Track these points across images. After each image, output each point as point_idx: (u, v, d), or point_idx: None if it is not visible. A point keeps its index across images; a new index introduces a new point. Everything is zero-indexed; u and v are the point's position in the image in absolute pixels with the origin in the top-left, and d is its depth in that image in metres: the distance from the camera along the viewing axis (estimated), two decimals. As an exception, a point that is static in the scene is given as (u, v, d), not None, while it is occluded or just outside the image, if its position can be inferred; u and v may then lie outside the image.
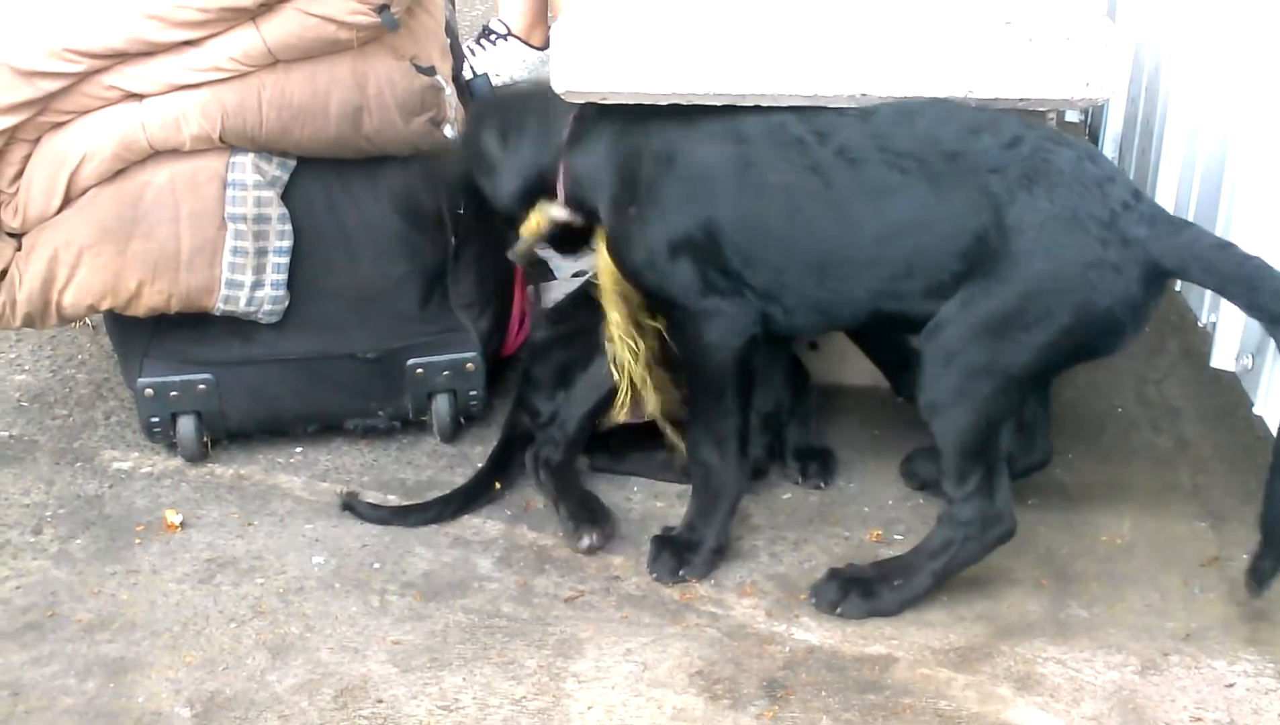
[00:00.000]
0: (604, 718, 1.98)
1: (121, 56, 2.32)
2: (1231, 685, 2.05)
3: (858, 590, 2.16)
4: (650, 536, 2.30)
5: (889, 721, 1.98)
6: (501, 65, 3.59)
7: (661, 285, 2.22)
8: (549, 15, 3.66)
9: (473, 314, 2.57)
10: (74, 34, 2.29)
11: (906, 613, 2.18)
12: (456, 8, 3.08)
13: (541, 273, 2.70)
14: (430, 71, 2.43)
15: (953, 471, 2.12)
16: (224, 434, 2.56)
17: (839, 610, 2.15)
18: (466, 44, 3.45)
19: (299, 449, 2.58)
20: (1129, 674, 2.07)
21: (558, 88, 2.23)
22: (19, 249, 2.40)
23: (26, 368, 2.84)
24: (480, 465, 2.50)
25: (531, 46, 3.65)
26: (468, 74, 2.78)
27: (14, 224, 2.39)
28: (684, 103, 2.21)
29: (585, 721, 1.98)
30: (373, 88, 2.39)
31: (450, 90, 2.46)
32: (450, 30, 2.64)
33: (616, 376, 2.32)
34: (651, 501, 2.44)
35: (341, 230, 2.48)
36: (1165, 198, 2.73)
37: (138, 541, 2.35)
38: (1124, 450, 2.55)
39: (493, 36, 3.65)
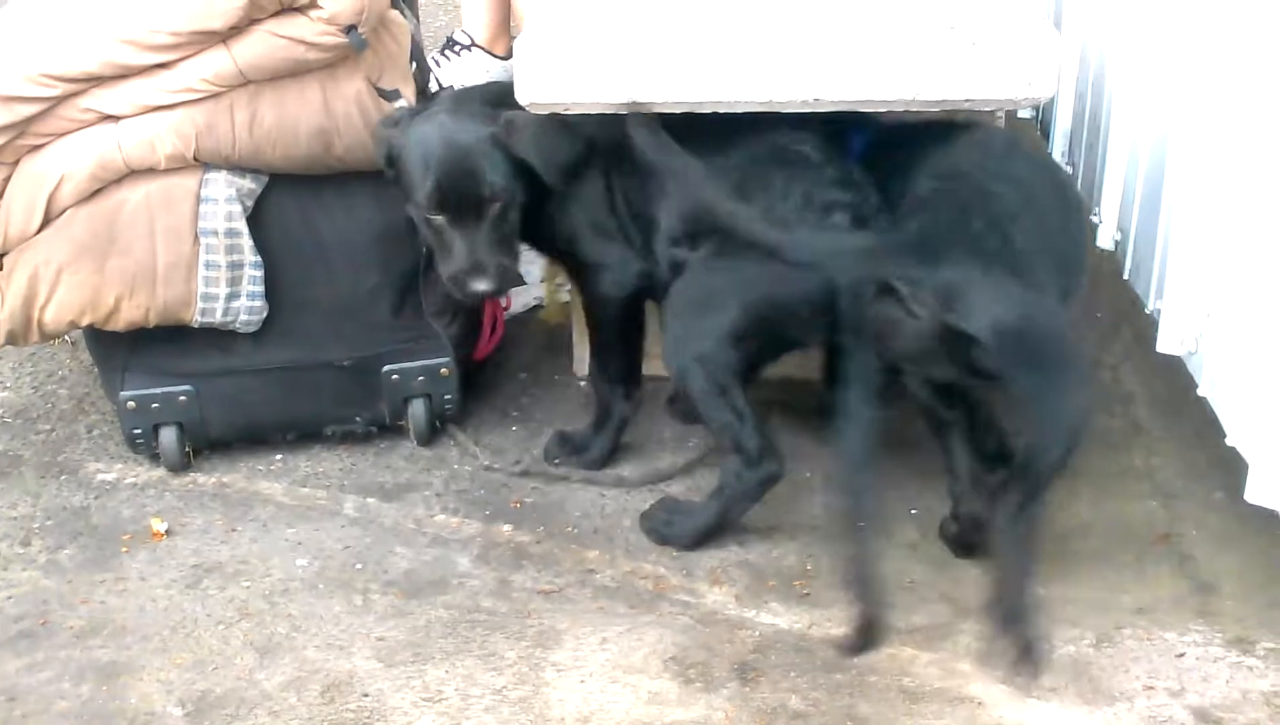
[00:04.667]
0: (582, 704, 2.06)
1: (96, 80, 2.38)
2: (1182, 655, 2.14)
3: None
4: (618, 529, 2.39)
5: (855, 699, 2.06)
6: (466, 76, 3.66)
7: None
8: (512, 26, 3.73)
9: (444, 321, 2.64)
10: (49, 59, 2.35)
11: (871, 596, 2.26)
12: (420, 20, 3.15)
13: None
14: (393, 96, 2.49)
15: None
16: (205, 443, 2.62)
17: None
18: (431, 56, 3.51)
19: (279, 456, 2.65)
20: (1084, 647, 2.16)
21: (521, 99, 2.31)
22: (0, 269, 2.46)
23: (8, 385, 2.90)
24: (458, 465, 2.59)
25: (495, 56, 3.71)
26: (434, 86, 2.84)
27: (-5, 245, 2.45)
28: (644, 111, 2.29)
29: (565, 708, 2.06)
30: (340, 110, 2.46)
31: None
32: (416, 44, 2.71)
33: None
34: (625, 497, 2.52)
35: (316, 243, 2.55)
36: (1112, 188, 2.83)
37: (125, 550, 2.42)
38: (1078, 434, 2.64)
39: (457, 48, 3.71)
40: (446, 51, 3.71)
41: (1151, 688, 2.08)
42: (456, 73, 3.66)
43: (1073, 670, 2.11)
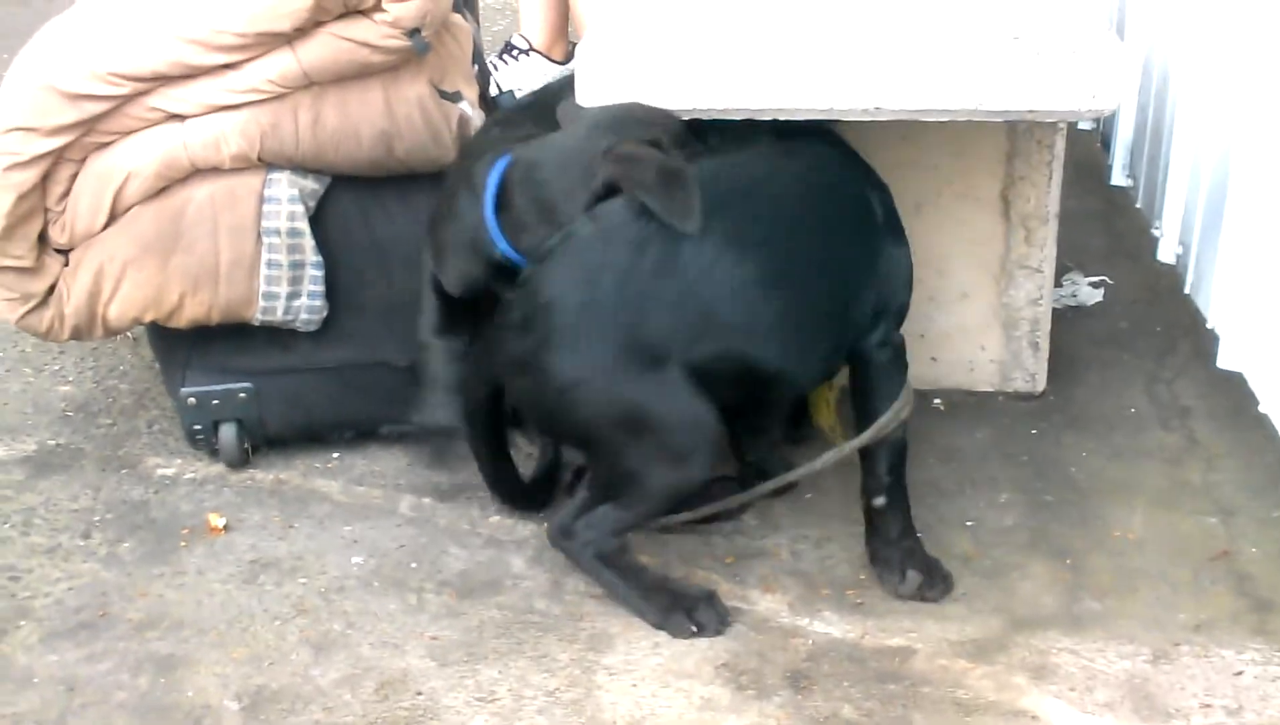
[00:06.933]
0: (634, 708, 2.07)
1: (163, 79, 2.41)
2: (1240, 673, 2.12)
3: None
4: (671, 535, 2.39)
5: (908, 710, 2.06)
6: (524, 80, 3.68)
7: None
8: (570, 31, 3.75)
9: (499, 323, 2.65)
10: (117, 58, 2.38)
11: (923, 607, 2.26)
12: (480, 24, 3.17)
13: None
14: (455, 97, 2.51)
15: None
16: (264, 440, 2.65)
17: None
18: (490, 60, 3.53)
19: (336, 454, 2.67)
20: (1140, 663, 2.14)
21: (583, 104, 2.32)
22: (66, 265, 2.50)
23: (70, 379, 2.94)
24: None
25: (553, 61, 3.74)
26: (493, 90, 2.86)
27: (62, 241, 2.48)
28: (705, 117, 2.29)
29: (617, 712, 2.06)
30: (403, 113, 2.48)
31: (477, 114, 2.54)
32: (477, 49, 2.73)
33: None
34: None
35: (375, 243, 2.56)
36: (1174, 202, 2.81)
37: (183, 544, 2.45)
38: (1136, 448, 2.62)
39: (515, 52, 3.74)
40: (504, 56, 3.75)
41: (1209, 706, 2.06)
42: (514, 76, 3.68)
43: (1128, 686, 2.09)
